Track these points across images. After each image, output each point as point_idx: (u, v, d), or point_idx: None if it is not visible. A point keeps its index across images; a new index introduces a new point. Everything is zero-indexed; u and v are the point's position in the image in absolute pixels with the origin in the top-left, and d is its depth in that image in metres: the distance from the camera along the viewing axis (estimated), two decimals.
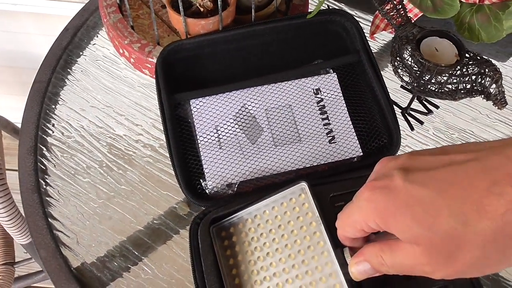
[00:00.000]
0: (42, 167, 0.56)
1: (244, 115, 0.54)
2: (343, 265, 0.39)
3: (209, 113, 0.54)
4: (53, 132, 0.59)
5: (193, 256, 0.45)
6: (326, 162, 0.52)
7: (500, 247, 0.28)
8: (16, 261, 0.88)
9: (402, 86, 0.64)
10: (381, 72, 0.58)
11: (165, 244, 0.51)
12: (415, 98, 0.62)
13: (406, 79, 0.56)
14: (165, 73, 0.54)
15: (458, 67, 0.51)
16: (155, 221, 0.53)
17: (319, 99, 0.56)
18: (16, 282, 0.92)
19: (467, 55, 0.53)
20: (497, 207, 0.27)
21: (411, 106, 0.62)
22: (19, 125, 1.01)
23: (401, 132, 0.61)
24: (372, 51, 0.58)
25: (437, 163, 0.31)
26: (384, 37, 0.70)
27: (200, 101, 0.54)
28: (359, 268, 0.36)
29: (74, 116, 0.60)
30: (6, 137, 0.96)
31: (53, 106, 0.61)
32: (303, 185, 0.45)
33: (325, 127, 0.54)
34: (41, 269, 0.93)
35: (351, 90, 0.58)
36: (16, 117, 1.04)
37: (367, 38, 0.59)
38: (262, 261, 0.44)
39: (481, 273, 0.30)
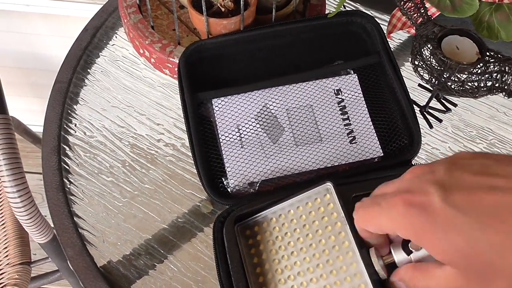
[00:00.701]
0: (66, 166, 0.57)
1: (265, 115, 0.55)
2: (369, 266, 0.39)
3: (231, 112, 0.54)
4: (75, 132, 0.60)
5: (218, 254, 0.45)
6: (346, 162, 0.53)
7: None
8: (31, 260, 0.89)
9: (420, 85, 0.64)
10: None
11: (189, 242, 0.52)
12: (434, 96, 0.62)
13: (427, 77, 0.56)
14: (188, 72, 0.55)
15: (480, 65, 0.52)
16: (179, 219, 0.53)
17: (340, 99, 0.57)
18: (32, 282, 0.93)
19: (488, 53, 0.53)
20: None
21: (430, 105, 0.62)
22: (30, 127, 1.02)
23: (420, 129, 0.61)
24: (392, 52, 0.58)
25: (478, 185, 0.30)
26: (400, 36, 0.71)
27: (222, 100, 0.54)
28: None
29: (95, 116, 0.61)
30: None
31: (75, 106, 0.62)
32: (329, 185, 0.45)
33: (346, 127, 0.55)
34: (57, 268, 0.94)
35: (371, 91, 0.58)
36: (25, 119, 1.04)
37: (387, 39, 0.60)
38: (287, 260, 0.44)
39: None
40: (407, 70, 0.67)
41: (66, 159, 0.57)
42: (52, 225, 0.55)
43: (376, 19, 0.60)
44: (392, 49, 0.70)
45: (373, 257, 0.38)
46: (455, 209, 0.29)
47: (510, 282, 0.28)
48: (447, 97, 0.63)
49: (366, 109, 0.56)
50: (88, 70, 0.65)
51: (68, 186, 0.55)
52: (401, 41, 0.71)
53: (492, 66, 0.52)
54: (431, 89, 0.60)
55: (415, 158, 0.52)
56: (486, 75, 0.51)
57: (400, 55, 0.69)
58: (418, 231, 0.31)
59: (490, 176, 0.30)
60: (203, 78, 0.56)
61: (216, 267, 0.44)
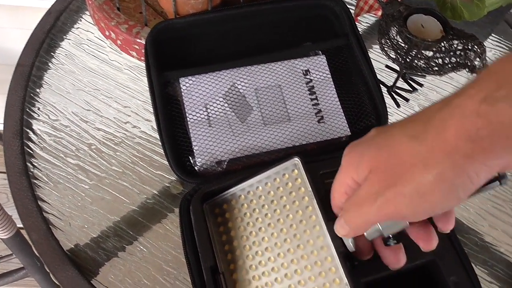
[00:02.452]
0: (29, 150, 0.55)
1: (233, 94, 0.54)
2: (335, 238, 0.39)
3: (199, 91, 0.53)
4: (38, 116, 0.58)
5: (184, 232, 0.44)
6: (315, 141, 0.53)
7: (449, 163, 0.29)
8: None
9: (387, 66, 0.65)
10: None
11: (159, 222, 0.51)
12: (401, 76, 0.63)
13: (393, 56, 0.57)
14: (155, 51, 0.54)
15: (444, 41, 0.53)
16: (148, 201, 0.52)
17: (308, 80, 0.57)
18: None
19: (451, 31, 0.54)
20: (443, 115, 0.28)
21: (397, 85, 0.63)
22: None
23: (388, 109, 0.62)
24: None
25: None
26: (368, 20, 0.72)
27: (189, 80, 0.54)
28: (336, 224, 0.38)
29: (60, 99, 0.59)
30: None
31: (38, 90, 0.60)
32: (296, 160, 0.45)
33: (314, 107, 0.55)
34: (22, 265, 0.91)
35: (339, 72, 0.59)
36: None
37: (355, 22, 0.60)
38: (255, 236, 0.44)
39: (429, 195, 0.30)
40: (374, 53, 0.68)
41: (30, 143, 0.55)
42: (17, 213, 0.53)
43: (344, 2, 0.61)
44: (360, 32, 0.71)
45: None
46: (382, 129, 0.33)
47: (424, 166, 0.29)
48: (414, 77, 0.64)
49: (334, 89, 0.56)
50: (52, 53, 0.63)
51: (32, 170, 0.53)
52: (369, 25, 0.71)
53: (455, 43, 0.53)
54: (398, 69, 0.61)
55: None
56: (451, 52, 0.52)
57: (368, 38, 0.70)
58: (351, 154, 0.35)
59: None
60: (171, 58, 0.55)
61: (183, 244, 0.44)
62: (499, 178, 0.31)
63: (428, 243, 0.36)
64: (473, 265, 0.52)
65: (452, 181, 0.28)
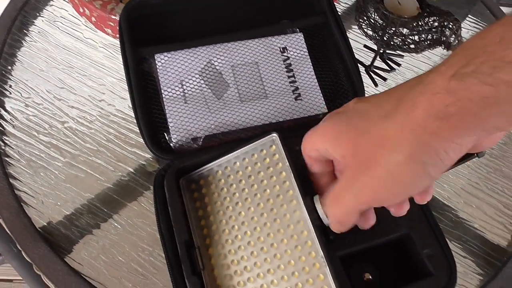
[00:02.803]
0: (1, 128, 0.54)
1: (210, 71, 0.53)
2: (311, 212, 0.39)
3: (174, 67, 0.53)
4: (10, 94, 0.56)
5: (158, 207, 0.44)
6: (291, 118, 0.53)
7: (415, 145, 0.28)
8: None
9: (365, 46, 0.65)
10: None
11: (134, 200, 0.50)
12: (378, 55, 0.63)
13: (371, 33, 0.57)
14: (130, 27, 0.52)
15: (420, 18, 0.53)
16: (123, 178, 0.51)
17: (286, 57, 0.56)
18: None
19: (428, 8, 0.54)
20: (413, 93, 0.28)
21: (375, 64, 0.63)
22: None
23: (365, 88, 0.62)
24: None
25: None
26: (347, 0, 0.72)
27: (165, 56, 0.53)
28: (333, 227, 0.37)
29: (33, 77, 0.58)
30: None
31: (10, 67, 0.58)
32: (274, 135, 0.45)
33: (291, 84, 0.55)
34: None
35: (317, 50, 0.58)
36: None
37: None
38: (232, 210, 0.43)
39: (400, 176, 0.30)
40: (353, 33, 0.68)
41: (1, 121, 0.54)
42: None
43: None
44: (340, 11, 0.71)
45: (317, 204, 0.38)
46: (361, 102, 0.33)
47: (394, 146, 0.29)
48: (392, 57, 0.65)
49: (312, 67, 0.56)
50: (25, 31, 0.61)
51: (3, 147, 0.52)
52: (348, 5, 0.71)
53: (432, 19, 0.53)
54: (376, 48, 0.61)
55: None
56: (426, 28, 0.52)
57: (347, 18, 0.70)
58: (330, 132, 0.34)
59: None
60: (146, 35, 0.54)
61: (157, 220, 0.43)
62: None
63: (399, 208, 0.36)
64: (447, 240, 0.53)
65: (421, 160, 0.28)
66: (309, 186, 0.44)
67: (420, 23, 0.53)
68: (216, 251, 0.42)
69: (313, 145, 0.35)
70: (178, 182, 0.45)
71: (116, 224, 0.48)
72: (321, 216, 0.38)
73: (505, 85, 0.24)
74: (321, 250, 0.38)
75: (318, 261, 0.39)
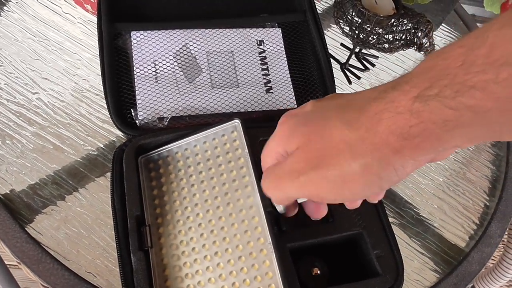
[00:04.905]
0: None
1: (184, 54, 0.54)
2: (264, 198, 0.40)
3: (149, 46, 0.53)
4: None
5: (114, 180, 0.44)
6: (260, 109, 0.54)
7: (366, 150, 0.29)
8: None
9: (342, 44, 0.67)
10: (324, 31, 0.60)
11: (103, 176, 0.50)
12: (354, 54, 0.65)
13: (347, 30, 0.58)
14: (108, 1, 0.53)
15: (395, 18, 0.54)
16: (92, 152, 0.51)
17: (262, 50, 0.57)
18: None
19: (403, 9, 0.56)
20: (376, 107, 0.29)
21: (351, 63, 0.65)
22: None
23: (340, 85, 0.64)
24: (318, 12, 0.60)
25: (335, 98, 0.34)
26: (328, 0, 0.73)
27: (141, 34, 0.53)
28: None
29: (6, 46, 0.57)
30: None
31: None
32: (236, 122, 0.45)
33: (264, 77, 0.56)
34: None
35: (293, 46, 0.59)
36: None
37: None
38: (186, 192, 0.44)
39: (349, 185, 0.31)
40: (332, 31, 0.69)
41: None
42: None
43: None
44: (320, 11, 0.72)
45: None
46: (318, 104, 0.33)
47: (352, 154, 0.29)
48: (367, 57, 0.66)
49: (286, 62, 0.57)
50: (3, 0, 0.61)
51: None
52: (329, 5, 0.73)
53: (406, 20, 0.55)
54: (352, 47, 0.63)
55: None
56: (400, 27, 0.54)
57: (327, 17, 0.71)
58: (285, 128, 0.34)
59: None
60: (125, 11, 0.55)
61: (111, 193, 0.43)
62: None
63: (316, 212, 0.38)
64: (407, 236, 0.55)
65: (377, 173, 0.29)
66: None
67: (394, 23, 0.54)
68: (167, 230, 0.42)
69: (271, 150, 0.36)
70: (136, 159, 0.45)
71: (80, 197, 0.48)
72: (275, 204, 0.39)
73: (466, 109, 0.25)
74: (269, 236, 0.39)
75: (265, 247, 0.40)
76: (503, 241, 0.68)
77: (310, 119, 0.33)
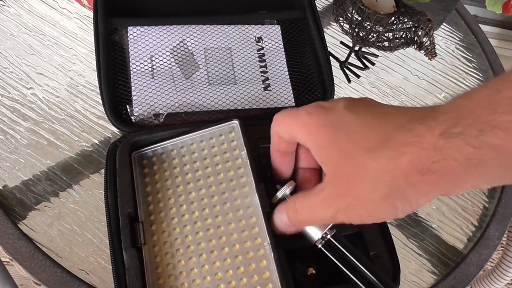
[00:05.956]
0: None
1: (182, 50, 0.53)
2: (262, 198, 0.40)
3: (146, 42, 0.52)
4: None
5: (107, 176, 0.43)
6: (258, 107, 0.53)
7: (392, 181, 0.30)
8: None
9: (341, 42, 0.66)
10: (323, 29, 0.59)
11: (98, 172, 0.49)
12: (354, 53, 0.64)
13: (347, 28, 0.58)
14: None
15: (395, 16, 0.54)
16: (87, 149, 0.51)
17: (260, 47, 0.57)
18: None
19: (403, 8, 0.55)
20: (401, 138, 0.29)
21: (351, 61, 0.64)
22: None
23: (339, 83, 0.63)
24: (317, 10, 0.59)
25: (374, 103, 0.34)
26: None
27: (138, 29, 0.52)
28: (277, 217, 0.39)
29: (1, 41, 0.56)
30: None
31: None
32: (235, 123, 0.45)
33: (262, 74, 0.55)
34: None
35: (292, 44, 0.59)
36: None
37: None
38: (182, 190, 0.43)
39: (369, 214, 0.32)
40: (332, 29, 0.68)
41: None
42: None
43: None
44: (319, 8, 0.72)
45: (284, 190, 0.39)
46: (350, 112, 0.33)
47: (373, 184, 0.30)
48: (367, 56, 0.66)
49: (285, 60, 0.56)
50: None
51: None
52: (329, 2, 0.72)
53: (407, 18, 0.54)
54: (351, 45, 0.62)
55: None
56: (400, 25, 0.53)
57: (327, 15, 0.70)
58: (314, 127, 0.34)
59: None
60: (122, 6, 0.54)
61: (104, 189, 0.42)
62: None
63: None
64: (404, 237, 0.54)
65: (394, 203, 0.30)
66: (263, 174, 0.44)
67: (394, 21, 0.54)
68: (160, 228, 0.42)
69: (289, 128, 0.36)
70: (130, 155, 0.44)
71: (74, 194, 0.48)
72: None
73: (489, 148, 0.26)
74: (268, 237, 0.39)
75: (263, 247, 0.39)
76: (502, 243, 0.67)
77: (338, 132, 0.33)
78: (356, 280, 0.38)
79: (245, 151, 0.44)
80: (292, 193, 0.39)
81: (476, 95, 0.27)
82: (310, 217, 0.36)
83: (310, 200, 0.35)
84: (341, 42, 0.66)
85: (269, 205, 0.40)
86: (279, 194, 0.39)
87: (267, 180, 0.45)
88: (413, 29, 0.54)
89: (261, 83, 0.54)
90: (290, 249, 0.42)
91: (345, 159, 0.32)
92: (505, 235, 0.59)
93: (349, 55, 0.62)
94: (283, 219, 0.38)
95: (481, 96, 0.27)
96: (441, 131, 0.27)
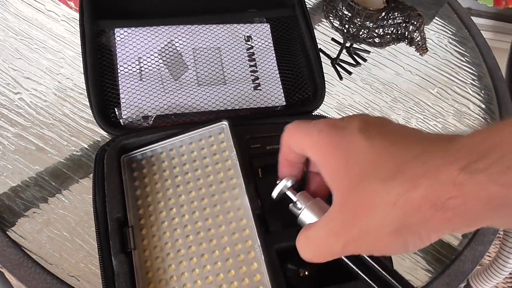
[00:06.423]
0: None
1: (170, 51, 0.52)
2: (253, 200, 0.39)
3: (134, 43, 0.51)
4: None
5: (95, 181, 0.42)
6: (248, 107, 0.52)
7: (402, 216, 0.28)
8: None
9: (333, 39, 0.66)
10: (314, 26, 0.59)
11: (85, 175, 0.49)
12: (345, 49, 0.63)
13: (337, 25, 0.57)
14: None
15: (385, 12, 0.53)
16: (76, 153, 0.50)
17: (249, 46, 0.56)
18: None
19: (393, 3, 0.55)
20: (415, 170, 0.27)
21: (342, 58, 0.63)
22: None
23: (331, 80, 0.62)
24: (307, 7, 0.59)
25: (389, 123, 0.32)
26: None
27: (125, 31, 0.52)
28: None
29: None
30: None
31: None
32: (224, 123, 0.45)
33: (252, 73, 0.54)
34: None
35: (282, 42, 0.58)
36: None
37: None
38: (171, 193, 0.43)
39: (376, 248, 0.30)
40: (322, 26, 0.68)
41: None
42: None
43: None
44: (310, 5, 0.71)
45: (285, 189, 0.38)
46: (364, 135, 0.30)
47: (382, 219, 0.28)
48: (359, 52, 0.65)
49: (275, 58, 0.56)
50: None
51: None
52: None
53: (397, 14, 0.54)
54: (342, 42, 0.62)
55: (318, 110, 0.53)
56: (390, 21, 0.53)
57: (317, 11, 0.70)
58: (325, 148, 0.31)
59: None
60: (108, 8, 0.53)
61: (92, 194, 0.42)
62: None
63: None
64: None
65: (404, 239, 0.28)
66: (252, 175, 0.43)
67: (385, 17, 0.53)
68: (150, 232, 0.41)
69: (300, 144, 0.34)
70: (119, 159, 0.44)
71: (64, 199, 0.47)
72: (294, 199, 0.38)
73: None
74: (258, 239, 0.39)
75: (253, 249, 0.39)
76: (499, 236, 0.67)
77: (351, 158, 0.30)
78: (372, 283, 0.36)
79: (235, 153, 0.43)
80: (296, 188, 0.38)
81: (500, 132, 0.25)
82: (319, 253, 0.33)
83: (316, 233, 0.33)
84: (332, 39, 0.65)
85: (259, 207, 0.40)
86: (278, 188, 0.38)
87: (257, 182, 0.44)
88: (404, 24, 0.53)
89: (251, 82, 0.54)
90: (282, 249, 0.42)
91: (354, 190, 0.30)
92: (501, 230, 0.59)
93: (340, 52, 0.62)
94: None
95: (506, 133, 0.25)
96: (462, 166, 0.25)
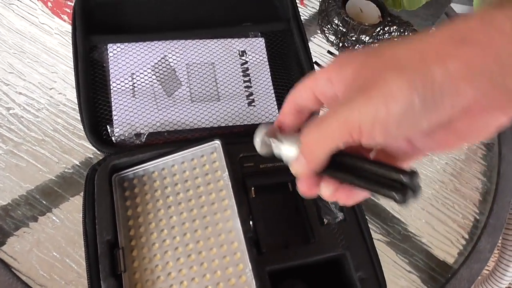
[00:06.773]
0: None
1: (163, 67, 0.52)
2: (244, 223, 0.38)
3: (127, 59, 0.51)
4: None
5: (86, 200, 0.42)
6: (242, 123, 0.52)
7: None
8: None
9: (329, 52, 0.65)
10: (309, 38, 0.58)
11: (78, 195, 0.48)
12: None
13: (332, 39, 0.56)
14: (84, 13, 0.51)
15: (380, 27, 0.53)
16: (67, 170, 0.49)
17: (244, 61, 0.55)
18: None
19: (388, 17, 0.54)
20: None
21: None
22: None
23: None
24: (302, 19, 0.58)
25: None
26: (314, 4, 0.71)
27: (118, 47, 0.51)
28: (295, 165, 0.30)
29: None
30: None
31: None
32: (217, 143, 0.44)
33: (246, 89, 0.54)
34: None
35: (276, 56, 0.57)
36: None
37: (298, 7, 0.59)
38: (163, 214, 0.42)
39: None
40: (318, 38, 0.67)
41: None
42: None
43: None
44: (305, 17, 0.70)
45: (266, 137, 0.32)
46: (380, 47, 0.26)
47: (384, 91, 0.24)
48: None
49: (269, 73, 0.55)
50: None
51: None
52: (315, 10, 0.71)
53: (392, 29, 0.53)
54: (338, 54, 0.61)
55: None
56: (386, 35, 0.52)
57: (313, 23, 0.69)
58: (343, 63, 0.27)
59: None
60: (101, 23, 0.53)
61: (82, 215, 0.41)
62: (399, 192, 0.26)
63: (349, 197, 0.30)
64: (394, 253, 0.53)
65: (416, 89, 0.23)
66: (244, 196, 0.43)
67: (380, 32, 0.53)
68: (141, 254, 0.41)
69: (317, 77, 0.30)
70: (110, 178, 0.43)
71: (54, 218, 0.47)
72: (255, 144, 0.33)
73: None
74: (249, 263, 0.38)
75: (244, 273, 0.38)
76: (498, 246, 0.66)
77: (370, 56, 0.26)
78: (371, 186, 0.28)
79: (227, 173, 0.43)
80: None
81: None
82: (318, 128, 0.28)
83: (319, 119, 0.28)
84: (328, 51, 0.65)
85: (251, 230, 0.39)
86: (258, 133, 0.32)
87: (250, 201, 0.44)
88: (399, 39, 0.52)
89: (245, 98, 0.53)
90: (274, 270, 0.42)
91: (371, 57, 0.26)
92: (499, 243, 0.58)
93: None
94: (297, 161, 0.30)
95: None
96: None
